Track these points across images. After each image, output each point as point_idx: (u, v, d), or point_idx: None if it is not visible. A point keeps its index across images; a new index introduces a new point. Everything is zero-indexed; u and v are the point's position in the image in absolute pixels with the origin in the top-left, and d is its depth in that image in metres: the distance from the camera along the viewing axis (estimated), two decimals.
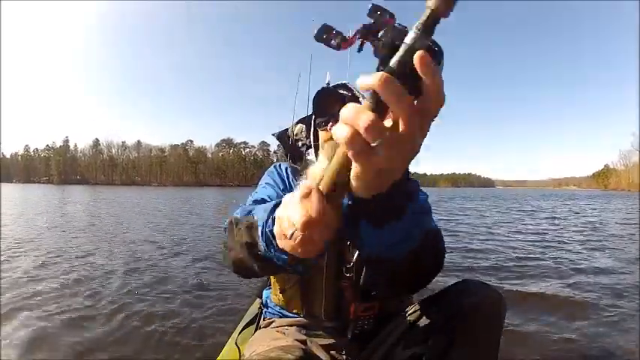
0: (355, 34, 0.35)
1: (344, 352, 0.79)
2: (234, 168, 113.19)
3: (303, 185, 0.39)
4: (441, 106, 0.32)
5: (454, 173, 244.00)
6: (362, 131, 0.29)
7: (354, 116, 0.30)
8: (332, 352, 0.78)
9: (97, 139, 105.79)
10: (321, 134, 0.92)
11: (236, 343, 1.07)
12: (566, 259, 4.31)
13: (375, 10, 0.34)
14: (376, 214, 0.44)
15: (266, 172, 0.95)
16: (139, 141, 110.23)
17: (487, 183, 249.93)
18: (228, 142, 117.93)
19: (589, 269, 3.73)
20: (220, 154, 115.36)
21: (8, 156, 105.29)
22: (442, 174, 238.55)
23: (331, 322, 0.80)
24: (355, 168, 0.34)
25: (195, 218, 9.04)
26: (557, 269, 3.72)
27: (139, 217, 9.08)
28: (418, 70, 0.29)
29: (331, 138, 0.85)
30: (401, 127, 0.31)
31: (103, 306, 2.39)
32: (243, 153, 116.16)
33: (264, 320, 0.97)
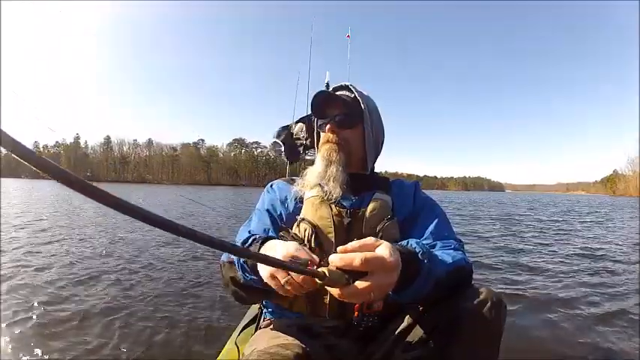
0: None
1: (344, 353, 0.78)
2: (246, 167, 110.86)
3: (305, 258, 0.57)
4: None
5: (465, 176, 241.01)
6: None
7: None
8: (332, 352, 0.78)
9: (108, 136, 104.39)
10: (322, 136, 0.93)
11: (236, 343, 1.06)
12: (569, 263, 4.20)
13: None
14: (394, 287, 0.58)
15: (261, 195, 1.00)
16: (150, 139, 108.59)
17: (497, 187, 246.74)
18: (240, 142, 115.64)
19: (591, 273, 3.67)
20: (232, 154, 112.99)
21: None
22: (452, 177, 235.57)
23: (336, 319, 0.80)
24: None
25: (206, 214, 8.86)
26: (560, 272, 3.66)
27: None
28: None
29: (328, 141, 0.89)
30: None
31: (98, 306, 2.30)
32: (256, 153, 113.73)
33: (264, 321, 0.96)
